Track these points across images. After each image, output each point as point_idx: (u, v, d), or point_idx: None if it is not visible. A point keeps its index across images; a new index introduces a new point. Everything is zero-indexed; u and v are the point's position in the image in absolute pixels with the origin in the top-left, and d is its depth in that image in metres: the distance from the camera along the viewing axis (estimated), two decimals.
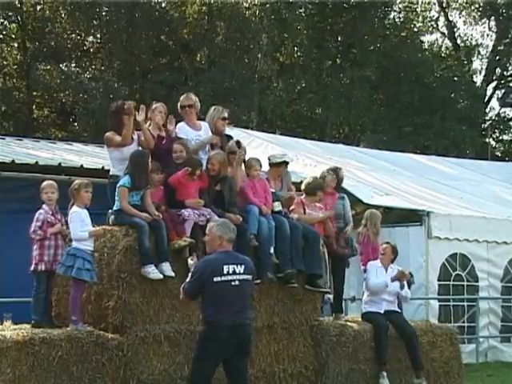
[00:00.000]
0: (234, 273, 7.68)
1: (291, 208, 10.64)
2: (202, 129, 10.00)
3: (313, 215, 10.66)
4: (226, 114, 10.25)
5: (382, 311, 10.83)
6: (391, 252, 11.07)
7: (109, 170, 9.65)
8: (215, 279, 7.61)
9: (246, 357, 7.95)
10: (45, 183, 9.14)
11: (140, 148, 9.41)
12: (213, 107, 10.35)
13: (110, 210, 9.15)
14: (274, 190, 10.23)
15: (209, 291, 7.64)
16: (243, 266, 7.77)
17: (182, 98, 10.11)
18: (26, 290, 9.02)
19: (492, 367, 15.57)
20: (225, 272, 7.64)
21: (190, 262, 8.45)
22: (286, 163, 10.65)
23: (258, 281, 9.35)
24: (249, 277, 7.86)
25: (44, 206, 8.97)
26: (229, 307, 7.62)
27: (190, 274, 7.86)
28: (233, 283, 7.66)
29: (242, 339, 7.73)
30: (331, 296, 10.92)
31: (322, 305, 10.66)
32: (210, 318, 7.66)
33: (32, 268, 8.86)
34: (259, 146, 18.33)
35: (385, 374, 10.44)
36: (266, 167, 10.64)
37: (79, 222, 8.64)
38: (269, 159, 10.69)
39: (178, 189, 9.29)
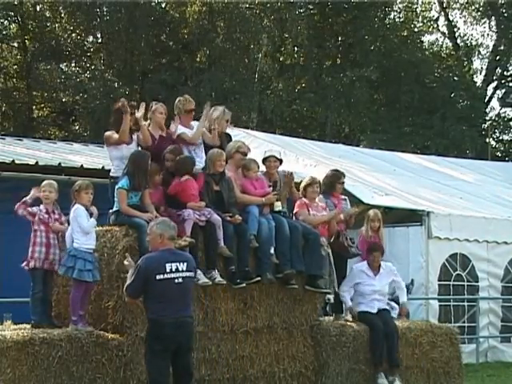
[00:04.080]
0: (177, 270, 7.72)
1: (295, 211, 10.58)
2: (195, 128, 10.17)
3: (317, 216, 10.59)
4: (229, 116, 10.51)
5: (375, 311, 10.74)
6: (380, 255, 11.03)
7: (109, 170, 9.68)
8: (158, 277, 7.64)
9: (188, 353, 7.98)
10: (44, 182, 9.19)
11: (139, 147, 9.45)
12: (219, 108, 10.43)
13: (110, 210, 9.16)
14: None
15: (152, 289, 7.67)
16: (186, 264, 7.82)
17: (184, 101, 10.19)
18: (26, 290, 9.01)
19: (492, 367, 15.56)
20: (167, 270, 7.68)
21: (125, 262, 8.40)
22: (275, 159, 10.49)
23: (258, 278, 9.38)
24: (191, 274, 7.92)
25: (41, 205, 9.00)
26: (172, 305, 7.66)
27: (130, 273, 7.84)
28: (176, 281, 7.70)
29: (185, 336, 7.79)
30: (331, 296, 10.90)
31: (322, 305, 10.66)
32: (154, 316, 7.70)
33: (24, 264, 8.88)
34: (259, 146, 18.29)
35: (383, 374, 10.41)
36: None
37: (84, 216, 8.66)
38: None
39: (180, 194, 9.29)
